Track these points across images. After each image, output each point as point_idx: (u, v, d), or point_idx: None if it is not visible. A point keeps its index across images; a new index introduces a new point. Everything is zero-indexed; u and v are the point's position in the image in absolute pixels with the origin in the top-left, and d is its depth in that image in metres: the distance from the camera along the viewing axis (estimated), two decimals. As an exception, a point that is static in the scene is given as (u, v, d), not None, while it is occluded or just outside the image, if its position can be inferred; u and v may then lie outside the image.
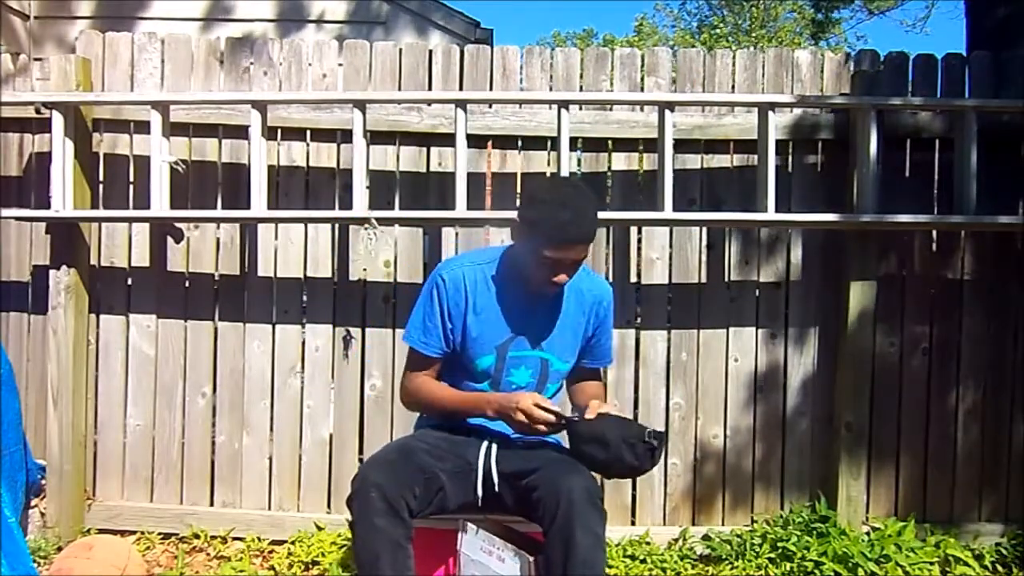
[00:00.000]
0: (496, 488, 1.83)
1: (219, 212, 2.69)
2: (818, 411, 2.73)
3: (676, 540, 2.68)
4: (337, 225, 2.73)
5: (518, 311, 1.88)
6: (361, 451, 2.72)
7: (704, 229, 2.73)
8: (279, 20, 5.05)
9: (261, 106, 2.54)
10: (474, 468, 1.86)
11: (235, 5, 5.06)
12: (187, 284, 2.77)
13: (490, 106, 2.70)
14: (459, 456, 1.86)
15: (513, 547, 1.72)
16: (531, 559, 1.68)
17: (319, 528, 2.67)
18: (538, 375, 1.91)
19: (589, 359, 2.00)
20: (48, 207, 2.58)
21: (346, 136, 2.64)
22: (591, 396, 1.91)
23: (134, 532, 2.72)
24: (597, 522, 1.65)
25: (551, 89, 2.69)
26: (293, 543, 2.65)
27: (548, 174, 2.73)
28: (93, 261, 2.75)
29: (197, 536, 2.69)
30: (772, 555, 2.53)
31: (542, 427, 1.74)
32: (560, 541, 1.62)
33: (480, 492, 1.85)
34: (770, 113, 2.51)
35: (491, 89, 2.70)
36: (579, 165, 2.89)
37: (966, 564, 2.52)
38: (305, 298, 2.75)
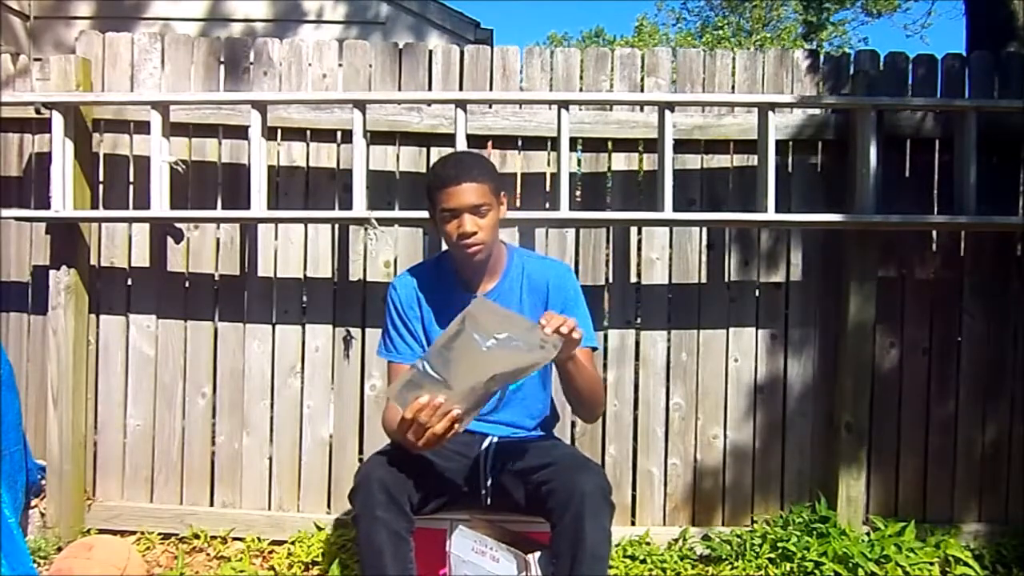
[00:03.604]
0: (504, 486, 1.84)
1: (219, 212, 2.69)
2: (818, 411, 2.73)
3: (676, 540, 2.68)
4: (337, 225, 2.73)
5: (471, 301, 1.90)
6: (361, 451, 2.72)
7: (704, 229, 2.73)
8: (278, 20, 5.06)
9: (261, 106, 2.54)
10: (478, 467, 1.87)
11: (234, 5, 5.06)
12: (187, 284, 2.77)
13: (490, 106, 2.70)
14: (463, 455, 1.87)
15: (507, 546, 1.72)
16: (526, 558, 1.68)
17: (319, 528, 2.67)
18: None
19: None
20: (48, 207, 2.58)
21: (346, 136, 2.64)
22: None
23: (134, 532, 2.72)
24: (606, 517, 1.68)
25: (551, 89, 2.69)
26: (293, 543, 2.65)
27: (548, 175, 2.73)
28: (93, 261, 2.75)
29: (197, 536, 2.70)
30: (772, 555, 2.53)
31: (437, 426, 1.56)
32: (570, 534, 1.63)
33: (485, 490, 1.85)
34: (770, 113, 2.51)
35: (491, 89, 2.70)
36: (579, 165, 2.89)
37: (966, 564, 2.52)
38: (305, 298, 2.75)
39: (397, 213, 2.68)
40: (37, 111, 2.63)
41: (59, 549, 2.54)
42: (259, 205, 2.54)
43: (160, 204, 2.57)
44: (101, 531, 2.69)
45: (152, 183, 2.56)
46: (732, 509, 2.74)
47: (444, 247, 1.98)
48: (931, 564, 2.51)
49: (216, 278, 2.77)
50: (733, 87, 2.72)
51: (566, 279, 1.97)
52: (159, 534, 2.72)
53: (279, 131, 2.73)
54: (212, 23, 4.98)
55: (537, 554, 1.71)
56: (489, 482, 1.86)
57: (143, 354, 2.76)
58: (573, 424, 2.72)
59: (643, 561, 2.57)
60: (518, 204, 2.72)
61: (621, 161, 2.76)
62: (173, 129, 2.63)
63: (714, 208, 2.70)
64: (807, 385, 2.73)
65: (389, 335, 1.98)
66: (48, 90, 2.62)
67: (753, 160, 2.65)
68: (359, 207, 2.54)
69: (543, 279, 1.95)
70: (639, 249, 2.75)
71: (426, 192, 1.88)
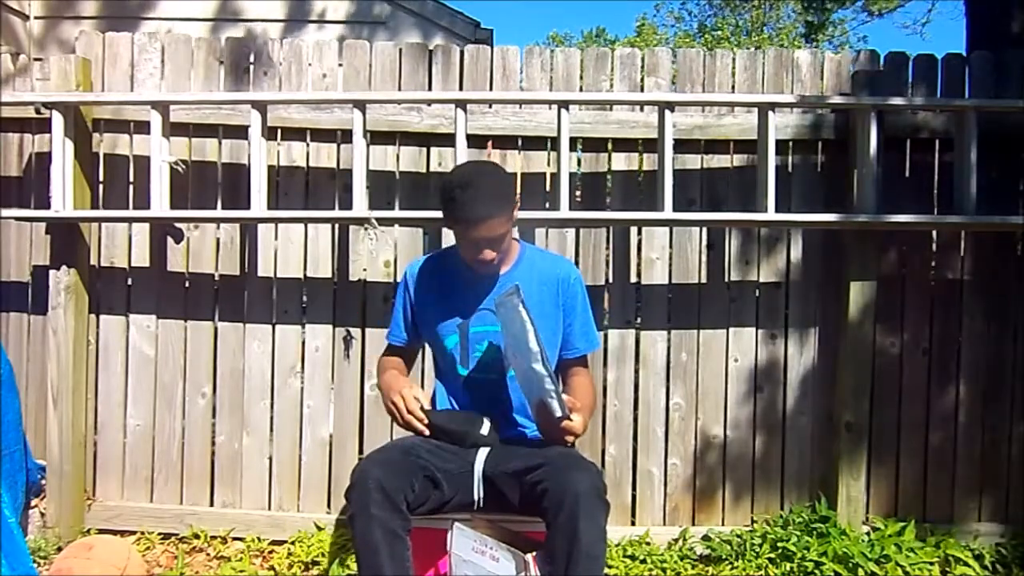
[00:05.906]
0: (499, 487, 1.84)
1: (219, 212, 2.69)
2: (818, 411, 2.73)
3: (676, 540, 2.68)
4: (337, 225, 2.73)
5: (479, 290, 1.95)
6: (361, 451, 2.72)
7: (704, 229, 2.73)
8: (280, 20, 5.06)
9: (261, 106, 2.55)
10: (474, 467, 1.87)
11: (236, 5, 5.07)
12: (187, 284, 2.77)
13: (490, 106, 2.70)
14: (460, 457, 1.87)
15: (507, 546, 1.72)
16: (526, 558, 1.68)
17: (319, 528, 2.67)
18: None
19: (574, 343, 2.01)
20: (48, 207, 2.58)
21: (346, 136, 2.64)
22: (576, 395, 1.91)
23: (134, 532, 2.72)
24: (601, 516, 1.67)
25: (551, 89, 2.69)
26: (293, 543, 2.65)
27: (548, 175, 2.74)
28: (93, 261, 2.75)
29: (197, 536, 2.70)
30: (772, 555, 2.53)
31: (411, 419, 1.83)
32: (565, 533, 1.63)
33: (479, 493, 1.86)
34: (770, 113, 2.51)
35: (491, 89, 2.70)
36: (579, 165, 2.89)
37: (966, 564, 2.52)
38: (305, 298, 2.75)
39: (397, 213, 2.68)
40: (37, 111, 2.63)
41: (59, 549, 2.54)
42: (259, 205, 2.54)
43: (160, 204, 2.57)
44: (101, 531, 2.69)
45: (152, 183, 2.56)
46: (732, 508, 2.74)
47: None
48: (931, 564, 2.51)
49: (216, 278, 2.77)
50: (733, 87, 2.72)
51: (577, 282, 2.01)
52: (159, 534, 2.72)
53: (279, 131, 2.73)
54: (218, 23, 4.98)
55: (536, 553, 1.71)
56: (483, 483, 1.86)
57: (143, 354, 2.76)
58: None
59: (643, 561, 2.57)
60: (518, 204, 2.72)
61: (621, 161, 2.76)
62: (173, 129, 2.63)
63: (714, 208, 2.70)
64: (807, 385, 2.73)
65: (394, 318, 2.08)
66: (48, 90, 2.62)
67: (753, 160, 2.65)
68: (359, 207, 2.54)
69: (553, 273, 2.00)
70: (639, 249, 2.74)
71: (440, 202, 1.83)
